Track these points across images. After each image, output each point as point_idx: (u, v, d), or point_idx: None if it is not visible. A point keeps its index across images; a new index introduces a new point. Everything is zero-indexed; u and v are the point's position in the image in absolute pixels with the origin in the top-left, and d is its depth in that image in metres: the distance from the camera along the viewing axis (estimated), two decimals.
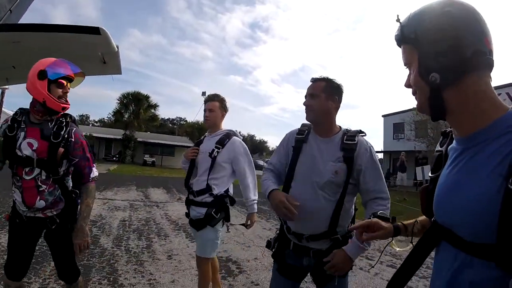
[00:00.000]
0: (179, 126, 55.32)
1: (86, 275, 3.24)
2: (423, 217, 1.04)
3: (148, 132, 34.97)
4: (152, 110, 32.47)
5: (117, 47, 2.99)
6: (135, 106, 30.94)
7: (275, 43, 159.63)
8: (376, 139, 34.11)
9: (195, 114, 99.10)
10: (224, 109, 2.69)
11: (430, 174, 0.92)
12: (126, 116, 30.89)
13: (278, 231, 1.85)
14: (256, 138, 79.81)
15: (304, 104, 1.70)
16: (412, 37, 0.77)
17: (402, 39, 0.80)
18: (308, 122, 1.73)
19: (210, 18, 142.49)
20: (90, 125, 63.89)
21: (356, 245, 1.51)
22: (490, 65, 0.73)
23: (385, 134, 25.86)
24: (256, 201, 2.67)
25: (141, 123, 31.14)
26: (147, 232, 5.34)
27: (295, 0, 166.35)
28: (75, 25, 2.73)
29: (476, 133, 0.72)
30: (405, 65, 0.83)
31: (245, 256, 4.42)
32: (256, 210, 2.71)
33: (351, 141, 1.62)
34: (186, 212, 2.71)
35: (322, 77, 1.71)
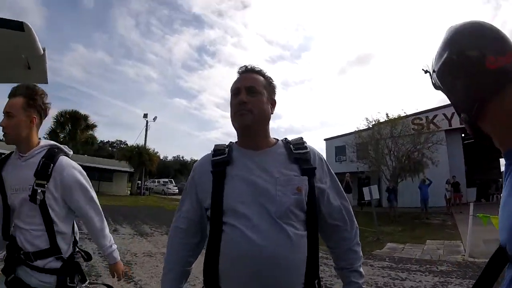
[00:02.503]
0: (119, 150, 52.40)
1: None
2: None
3: (85, 156, 32.27)
4: (90, 132, 30.15)
5: (44, 49, 2.46)
6: (72, 126, 28.40)
7: (221, 68, 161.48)
8: None
9: (136, 136, 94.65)
10: (34, 109, 1.64)
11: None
12: (62, 136, 28.14)
13: None
14: None
15: (240, 100, 1.14)
16: (438, 85, 0.78)
17: (434, 87, 0.80)
18: (219, 146, 1.24)
19: (157, 38, 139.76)
20: None
21: None
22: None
23: (328, 156, 26.72)
24: (114, 248, 1.82)
25: (78, 145, 28.57)
26: None
27: (243, 27, 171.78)
28: None
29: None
30: None
31: None
32: (118, 259, 1.84)
33: (302, 150, 1.18)
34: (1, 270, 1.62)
35: (260, 69, 1.24)
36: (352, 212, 1.27)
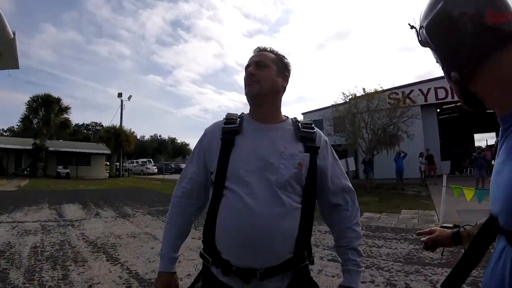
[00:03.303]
0: (95, 132, 50.73)
1: None
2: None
3: (61, 140, 31.17)
4: (65, 115, 28.97)
5: (14, 33, 2.42)
6: (45, 111, 27.24)
7: (196, 43, 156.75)
8: None
9: (111, 117, 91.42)
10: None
11: (493, 162, 0.83)
12: (35, 122, 27.15)
13: (199, 275, 1.25)
14: (178, 141, 76.76)
15: (249, 72, 1.23)
16: (425, 41, 0.74)
17: (421, 44, 0.76)
18: (238, 114, 1.30)
19: (129, 13, 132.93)
20: None
21: (359, 273, 1.21)
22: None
23: None
24: None
25: (52, 130, 27.57)
26: (62, 259, 4.56)
27: (219, 0, 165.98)
28: None
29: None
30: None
31: (177, 273, 3.99)
32: None
33: (309, 129, 1.25)
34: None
35: (271, 49, 1.31)
36: (355, 194, 1.32)
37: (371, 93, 15.41)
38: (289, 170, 1.14)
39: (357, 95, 15.92)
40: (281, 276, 1.10)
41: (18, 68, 3.15)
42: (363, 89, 15.87)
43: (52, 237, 5.97)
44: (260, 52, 1.29)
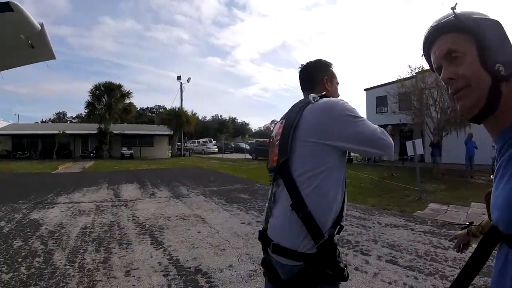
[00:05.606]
0: (157, 114, 53.85)
1: None
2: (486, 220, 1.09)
3: (125, 124, 33.59)
4: (127, 100, 30.95)
5: (41, 25, 2.41)
6: (107, 97, 29.36)
7: (253, 21, 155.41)
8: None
9: (173, 100, 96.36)
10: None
11: (491, 176, 0.81)
12: (99, 108, 29.38)
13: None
14: (238, 121, 78.16)
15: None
16: (471, 25, 0.70)
17: (457, 26, 0.71)
18: None
19: None
20: (68, 122, 61.81)
21: None
22: None
23: (368, 108, 25.31)
24: None
25: (115, 115, 29.67)
26: (108, 241, 4.66)
27: None
28: None
29: (506, 129, 0.70)
30: (447, 54, 0.73)
31: (218, 263, 3.78)
32: None
33: None
34: None
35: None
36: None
37: None
38: None
39: (425, 68, 14.21)
40: None
41: (54, 58, 3.23)
42: None
43: (103, 217, 6.20)
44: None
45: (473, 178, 11.39)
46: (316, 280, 1.19)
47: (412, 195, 8.26)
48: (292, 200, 1.20)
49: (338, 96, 1.50)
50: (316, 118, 1.24)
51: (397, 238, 4.73)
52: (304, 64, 1.56)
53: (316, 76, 1.49)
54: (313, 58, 1.62)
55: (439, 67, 0.77)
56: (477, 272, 0.77)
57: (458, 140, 13.20)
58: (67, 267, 3.70)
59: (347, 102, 1.28)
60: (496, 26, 0.71)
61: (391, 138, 1.26)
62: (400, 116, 15.56)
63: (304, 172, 1.21)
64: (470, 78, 0.70)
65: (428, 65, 0.83)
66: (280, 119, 1.44)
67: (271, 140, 1.44)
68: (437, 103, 13.46)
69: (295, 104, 1.40)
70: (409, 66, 15.22)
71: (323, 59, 1.55)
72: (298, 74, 1.56)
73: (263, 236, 1.34)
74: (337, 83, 1.54)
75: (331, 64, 1.54)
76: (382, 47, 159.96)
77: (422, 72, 14.21)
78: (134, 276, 3.41)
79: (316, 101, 1.29)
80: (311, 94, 1.34)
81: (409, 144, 8.18)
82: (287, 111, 1.43)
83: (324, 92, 1.40)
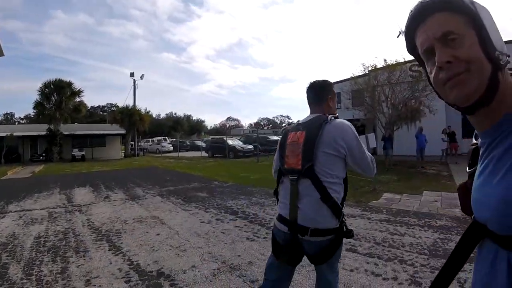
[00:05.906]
0: (109, 113, 51.21)
1: None
2: None
3: (76, 124, 31.50)
4: (78, 98, 28.96)
5: None
6: (57, 96, 27.34)
7: (209, 17, 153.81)
8: None
9: (125, 98, 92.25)
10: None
11: (467, 169, 0.81)
12: (48, 108, 27.31)
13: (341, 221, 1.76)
14: (193, 118, 76.50)
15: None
16: (470, 6, 0.65)
17: (453, 4, 0.65)
18: None
19: None
20: (16, 123, 56.95)
21: None
22: None
23: None
24: None
25: (65, 114, 27.69)
26: (64, 250, 4.36)
27: None
28: None
29: (498, 124, 0.67)
30: (444, 36, 0.65)
31: (180, 265, 3.69)
32: None
33: None
34: None
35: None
36: None
37: (392, 64, 14.37)
38: None
39: (378, 66, 14.96)
40: None
41: (3, 55, 2.84)
42: (384, 60, 14.88)
43: (57, 225, 5.80)
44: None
45: (424, 168, 12.18)
46: (339, 245, 1.73)
47: (367, 186, 8.64)
48: (320, 195, 1.65)
49: (336, 109, 1.98)
50: (333, 135, 1.71)
51: (354, 227, 4.90)
52: (312, 83, 1.95)
53: (324, 95, 1.89)
54: (320, 78, 2.05)
55: (429, 48, 0.68)
56: (459, 269, 0.75)
57: (408, 134, 14.11)
58: (24, 281, 3.42)
59: (352, 126, 1.77)
60: (488, 12, 0.67)
61: (375, 166, 1.86)
62: (353, 112, 16.22)
63: (326, 174, 1.68)
64: (470, 63, 0.64)
65: (406, 45, 0.75)
66: (294, 128, 1.86)
67: (286, 144, 1.84)
68: (388, 99, 14.23)
69: (312, 119, 1.83)
70: (363, 65, 15.89)
71: (327, 80, 1.96)
72: (307, 91, 1.95)
73: (295, 226, 1.70)
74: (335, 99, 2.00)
75: (332, 84, 1.97)
76: (336, 47, 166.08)
77: (375, 70, 14.96)
78: (94, 285, 3.23)
79: (332, 120, 1.75)
80: (330, 116, 1.79)
81: (362, 138, 8.51)
82: (301, 121, 1.89)
83: (337, 114, 1.86)
